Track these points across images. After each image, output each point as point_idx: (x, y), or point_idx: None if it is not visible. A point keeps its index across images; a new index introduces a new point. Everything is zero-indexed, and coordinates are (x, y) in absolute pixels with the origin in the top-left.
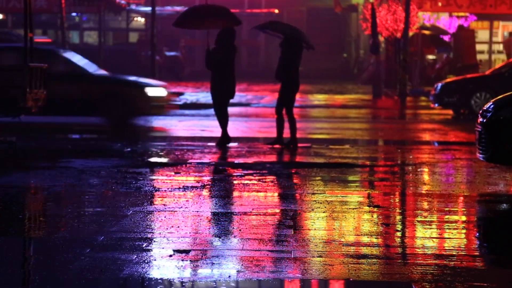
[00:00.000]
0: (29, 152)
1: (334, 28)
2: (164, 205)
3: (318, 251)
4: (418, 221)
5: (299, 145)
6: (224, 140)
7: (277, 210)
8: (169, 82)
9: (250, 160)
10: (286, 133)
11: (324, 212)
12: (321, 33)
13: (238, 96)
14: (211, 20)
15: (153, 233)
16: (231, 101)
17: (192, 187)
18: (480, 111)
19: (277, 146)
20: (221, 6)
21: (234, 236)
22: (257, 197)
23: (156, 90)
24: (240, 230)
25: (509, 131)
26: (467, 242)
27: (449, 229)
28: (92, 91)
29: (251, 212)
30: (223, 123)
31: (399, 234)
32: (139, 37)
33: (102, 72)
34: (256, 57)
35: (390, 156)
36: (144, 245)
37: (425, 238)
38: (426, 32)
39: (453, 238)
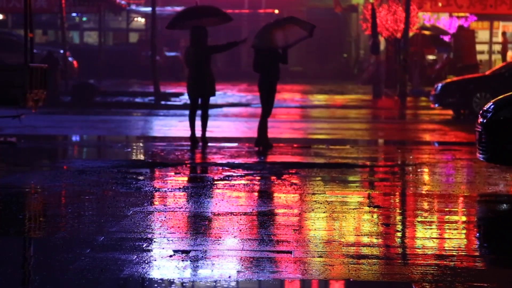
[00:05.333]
0: (29, 152)
1: (334, 28)
2: (164, 205)
3: (318, 251)
4: (418, 221)
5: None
6: (193, 142)
7: (277, 210)
8: (169, 82)
9: (250, 160)
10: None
11: (324, 212)
12: (321, 33)
13: (238, 96)
14: (205, 20)
15: (153, 233)
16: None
17: (192, 187)
18: (480, 111)
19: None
20: (211, 6)
21: (234, 236)
22: (257, 197)
23: None
24: (240, 230)
25: (509, 131)
26: (467, 242)
27: (449, 229)
28: None
29: (251, 212)
30: (191, 123)
31: (399, 234)
32: (139, 37)
33: None
34: None
35: (390, 157)
36: (144, 245)
37: (425, 238)
38: (426, 32)
39: (453, 239)
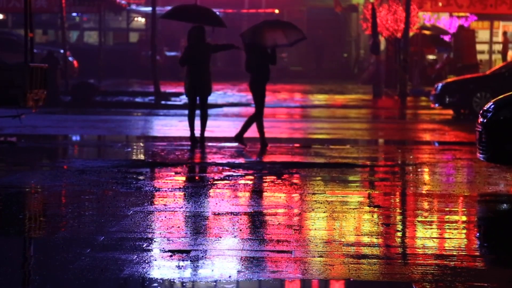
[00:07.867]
0: (29, 152)
1: (334, 28)
2: (164, 205)
3: (318, 251)
4: (418, 221)
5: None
6: (192, 142)
7: (277, 210)
8: (169, 82)
9: (250, 160)
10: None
11: (324, 212)
12: (321, 33)
13: (238, 96)
14: (198, 20)
15: (153, 233)
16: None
17: (192, 187)
18: (481, 111)
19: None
20: (207, 8)
21: (234, 236)
22: (257, 197)
23: None
24: (240, 230)
25: (509, 131)
26: (468, 242)
27: (450, 229)
28: None
29: (251, 212)
30: (191, 123)
31: (399, 234)
32: (140, 37)
33: None
34: None
35: (390, 156)
36: (144, 245)
37: (425, 238)
38: (427, 32)
39: (453, 238)
